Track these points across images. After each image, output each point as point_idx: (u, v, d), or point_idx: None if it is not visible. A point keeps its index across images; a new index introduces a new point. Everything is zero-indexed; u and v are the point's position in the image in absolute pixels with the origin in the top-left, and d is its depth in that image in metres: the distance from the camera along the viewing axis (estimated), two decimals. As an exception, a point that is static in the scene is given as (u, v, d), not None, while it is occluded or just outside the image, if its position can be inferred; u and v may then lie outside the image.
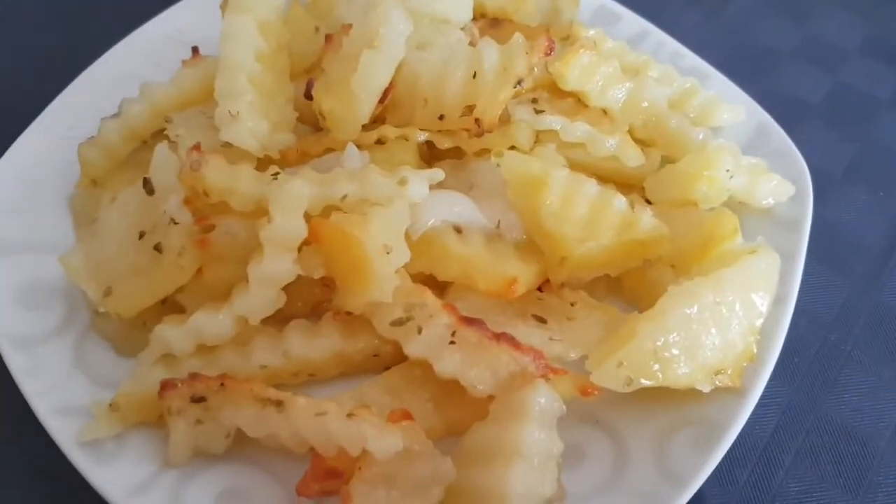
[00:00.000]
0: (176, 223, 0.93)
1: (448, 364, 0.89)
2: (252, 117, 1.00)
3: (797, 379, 1.08)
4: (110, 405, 0.88)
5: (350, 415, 0.83)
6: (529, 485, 0.83)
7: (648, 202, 1.06)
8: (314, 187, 0.92)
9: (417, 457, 0.86)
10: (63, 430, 0.87)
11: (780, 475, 1.01)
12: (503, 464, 0.83)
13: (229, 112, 0.99)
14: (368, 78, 1.00)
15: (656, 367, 0.87)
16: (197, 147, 0.95)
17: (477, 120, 1.01)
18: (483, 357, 0.89)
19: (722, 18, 1.49)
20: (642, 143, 1.10)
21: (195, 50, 1.15)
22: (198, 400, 0.87)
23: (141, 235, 0.95)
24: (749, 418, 0.99)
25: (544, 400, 0.87)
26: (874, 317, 1.13)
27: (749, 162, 1.06)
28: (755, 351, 0.92)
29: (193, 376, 0.88)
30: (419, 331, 0.90)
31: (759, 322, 0.93)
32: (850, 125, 1.34)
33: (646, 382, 0.87)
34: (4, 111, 1.13)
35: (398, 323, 0.91)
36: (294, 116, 1.07)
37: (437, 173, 0.97)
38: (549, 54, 1.03)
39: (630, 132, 1.10)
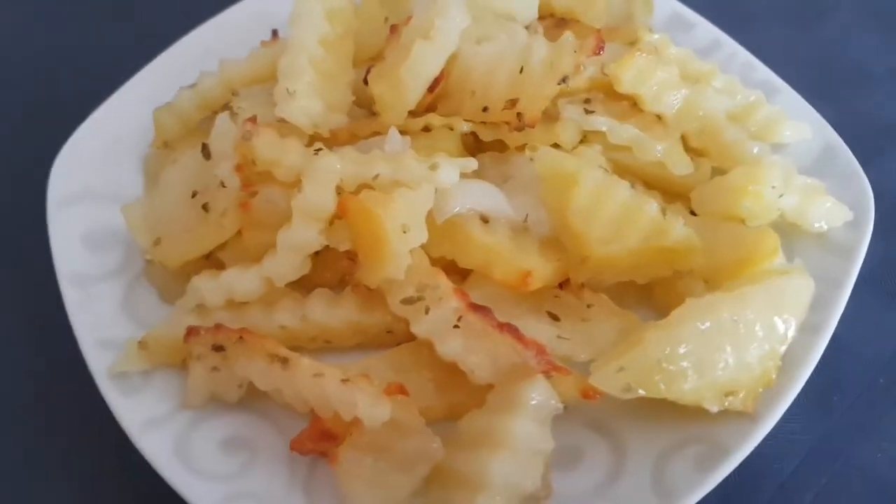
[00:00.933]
0: (224, 186, 1.01)
1: (450, 347, 0.90)
2: (308, 96, 1.06)
3: (833, 418, 1.00)
4: (139, 343, 0.96)
5: (345, 380, 0.87)
6: (511, 476, 0.83)
7: (693, 213, 1.03)
8: (349, 165, 0.97)
9: (408, 432, 0.88)
10: (99, 362, 0.96)
11: (796, 513, 0.95)
12: (489, 452, 0.84)
13: (287, 90, 1.05)
14: (418, 67, 1.03)
15: (658, 377, 0.84)
16: (253, 119, 1.02)
17: (519, 114, 1.02)
18: (485, 345, 0.90)
19: (816, 34, 1.40)
20: (696, 153, 1.07)
21: (275, 32, 1.23)
22: (217, 349, 0.94)
23: (193, 195, 1.04)
24: (771, 450, 0.94)
25: (541, 396, 0.87)
26: (934, 364, 1.04)
27: (805, 182, 1.00)
28: (774, 377, 0.88)
29: (217, 327, 0.95)
30: (427, 311, 0.92)
31: (781, 348, 0.88)
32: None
33: (643, 392, 0.85)
34: (102, 78, 1.24)
35: (408, 301, 0.93)
36: (350, 100, 1.12)
37: (471, 162, 0.99)
38: (598, 54, 1.02)
39: (684, 141, 1.07)
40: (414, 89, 1.04)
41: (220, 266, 1.03)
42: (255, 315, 0.98)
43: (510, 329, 0.89)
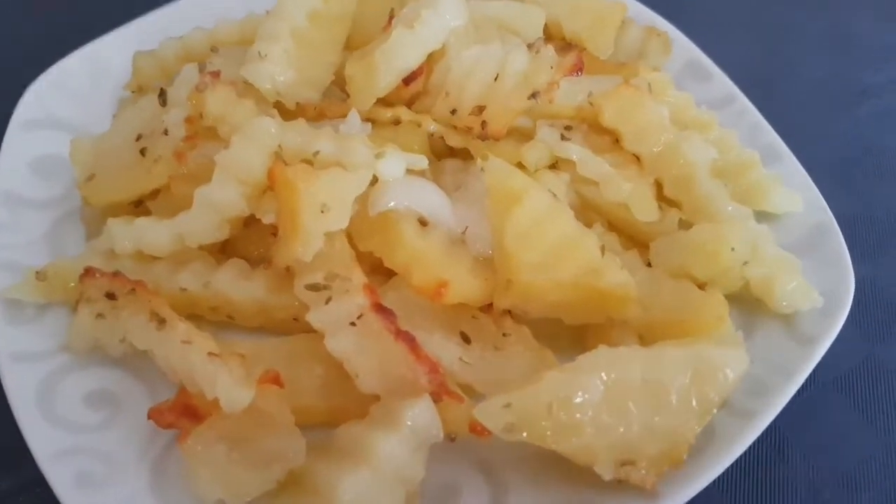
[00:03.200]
0: (166, 134, 0.97)
1: (339, 342, 0.83)
2: (279, 63, 1.02)
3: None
4: (37, 273, 0.92)
5: (213, 354, 0.80)
6: (363, 498, 0.75)
7: (649, 265, 0.93)
8: (292, 134, 0.91)
9: (273, 428, 0.81)
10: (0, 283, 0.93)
11: None
12: (347, 467, 0.76)
13: (259, 53, 1.01)
14: (394, 54, 0.98)
15: (546, 423, 0.75)
16: (216, 73, 0.99)
17: (483, 122, 0.96)
18: (377, 349, 0.82)
19: (852, 116, 1.29)
20: (668, 203, 0.98)
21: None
22: (110, 296, 0.89)
23: (138, 138, 1.00)
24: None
25: (421, 418, 0.79)
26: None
27: (779, 255, 0.90)
28: (684, 457, 0.77)
29: (115, 274, 0.90)
30: (327, 301, 0.85)
31: (696, 426, 0.77)
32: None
33: (525, 436, 0.75)
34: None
35: (313, 287, 0.86)
36: (329, 79, 1.07)
37: (420, 160, 0.93)
38: (575, 73, 0.95)
39: (658, 188, 0.98)
40: (385, 75, 0.98)
41: (147, 215, 0.99)
42: (160, 271, 0.93)
43: (406, 338, 0.81)
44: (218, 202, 0.89)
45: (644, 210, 0.94)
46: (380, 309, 0.84)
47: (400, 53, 0.98)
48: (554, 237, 0.86)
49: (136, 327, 0.86)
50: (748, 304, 0.91)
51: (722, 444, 0.79)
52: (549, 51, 0.94)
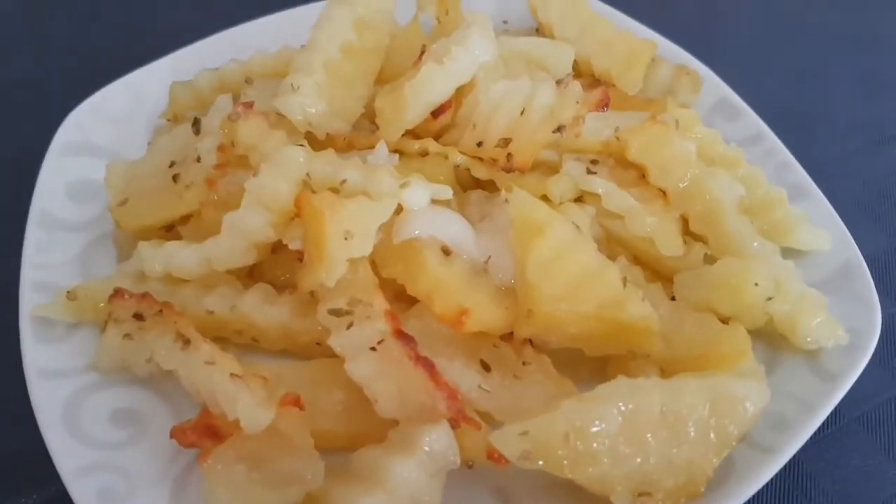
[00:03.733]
0: (199, 161, 1.00)
1: (359, 367, 0.84)
2: (311, 96, 1.05)
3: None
4: (68, 293, 0.94)
5: (235, 375, 0.82)
6: (381, 523, 0.75)
7: (673, 299, 0.93)
8: (319, 163, 0.94)
9: (292, 450, 0.81)
10: (30, 302, 0.95)
11: None
12: (364, 489, 0.76)
13: (292, 85, 1.04)
14: (422, 87, 1.00)
15: (562, 452, 0.75)
16: (249, 104, 1.02)
17: (509, 155, 0.97)
18: (396, 374, 0.82)
19: (883, 155, 1.28)
20: (693, 238, 0.98)
21: (314, 36, 1.24)
22: (137, 317, 0.91)
23: (171, 165, 1.03)
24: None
25: (438, 443, 0.79)
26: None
27: (804, 291, 0.89)
28: (702, 490, 0.75)
29: (144, 295, 0.92)
30: (349, 326, 0.86)
31: (715, 458, 0.76)
32: None
33: (541, 464, 0.75)
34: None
35: (335, 312, 0.87)
36: (359, 112, 1.10)
37: (444, 190, 0.94)
38: (601, 109, 0.96)
39: (684, 223, 0.98)
40: (414, 108, 1.01)
41: (178, 240, 1.02)
42: (188, 294, 0.95)
43: (426, 364, 0.82)
44: (246, 228, 0.92)
45: (669, 244, 0.94)
46: (400, 335, 0.85)
47: (428, 87, 1.00)
48: (576, 269, 0.87)
49: (162, 347, 0.87)
50: (772, 340, 0.91)
51: (741, 478, 0.78)
52: (576, 86, 0.96)
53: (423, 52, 1.09)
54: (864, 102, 1.40)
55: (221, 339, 0.94)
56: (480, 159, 1.02)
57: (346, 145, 1.07)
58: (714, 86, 1.17)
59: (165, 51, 1.27)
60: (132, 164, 1.07)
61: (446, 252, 0.93)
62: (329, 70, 1.08)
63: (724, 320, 0.89)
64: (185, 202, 0.98)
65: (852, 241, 0.98)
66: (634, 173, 1.02)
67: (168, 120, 1.18)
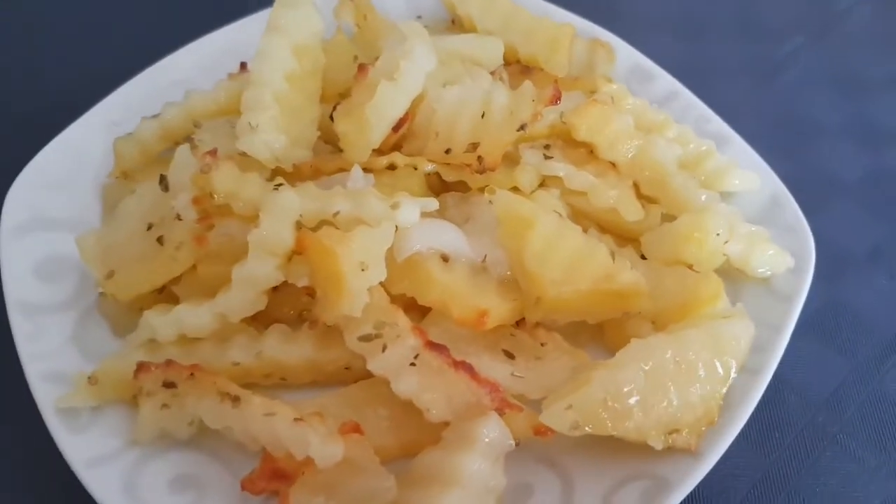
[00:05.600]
0: (180, 219, 1.00)
1: (405, 384, 0.91)
2: (271, 131, 1.07)
3: (774, 454, 1.04)
4: (89, 378, 0.94)
5: (297, 419, 0.87)
6: (463, 516, 0.84)
7: (643, 257, 1.06)
8: (309, 200, 0.97)
9: (361, 471, 0.88)
10: (46, 395, 0.94)
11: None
12: (440, 490, 0.85)
13: (249, 123, 1.06)
14: (383, 107, 1.05)
15: (605, 415, 0.87)
16: (213, 152, 1.02)
17: (480, 157, 1.05)
18: (441, 382, 0.91)
19: (768, 88, 1.47)
20: (647, 200, 1.11)
21: (243, 65, 1.23)
22: (168, 385, 0.93)
23: (149, 227, 1.03)
24: (715, 486, 0.97)
25: (494, 433, 0.88)
26: (869, 403, 1.08)
27: (749, 230, 1.05)
28: (716, 416, 0.90)
29: (168, 363, 0.94)
30: (384, 349, 0.93)
31: (722, 388, 0.91)
32: (883, 208, 1.30)
33: (590, 429, 0.87)
34: (69, 104, 1.23)
35: (366, 339, 0.94)
36: (315, 136, 1.12)
37: (431, 203, 1.01)
38: (555, 103, 1.06)
39: (636, 188, 1.11)
40: (377, 128, 1.05)
41: (175, 300, 1.03)
42: (207, 351, 0.98)
43: (465, 367, 0.91)
44: (255, 277, 0.95)
45: (631, 211, 1.06)
46: (433, 346, 0.93)
47: (388, 106, 1.05)
48: (568, 252, 0.97)
49: (208, 409, 0.90)
50: (729, 275, 1.05)
51: (742, 399, 0.93)
52: (529, 86, 1.04)
53: (361, 66, 1.13)
54: (746, 46, 1.57)
55: (250, 384, 0.98)
56: (448, 164, 1.09)
57: (313, 172, 1.10)
58: (626, 53, 1.29)
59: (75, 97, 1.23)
60: (102, 233, 1.05)
61: (445, 259, 1.01)
62: (280, 102, 1.09)
63: (689, 267, 1.04)
64: (180, 263, 0.99)
65: (774, 175, 1.14)
66: (583, 150, 1.13)
67: (116, 178, 1.15)
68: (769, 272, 1.05)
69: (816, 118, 1.42)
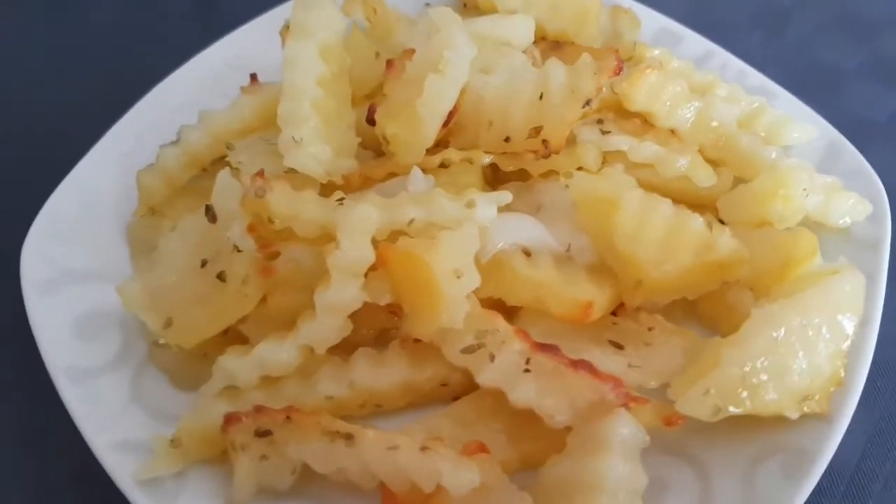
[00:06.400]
0: (239, 250, 0.91)
1: (523, 393, 0.85)
2: (315, 143, 0.99)
3: (881, 403, 1.03)
4: (172, 441, 0.85)
5: (423, 448, 0.80)
6: (615, 524, 0.78)
7: (722, 223, 1.02)
8: (381, 212, 0.90)
9: (493, 492, 0.82)
10: (121, 467, 0.84)
11: (871, 504, 0.96)
12: (584, 500, 0.79)
13: (293, 138, 0.97)
14: (434, 101, 0.98)
15: (745, 393, 0.83)
16: (260, 173, 0.93)
17: (544, 141, 0.99)
18: (560, 385, 0.85)
19: (783, 38, 1.46)
20: (712, 164, 1.06)
21: (253, 77, 1.15)
22: (263, 434, 0.84)
23: (203, 264, 0.93)
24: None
25: (627, 430, 0.83)
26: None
27: (824, 180, 1.02)
28: (842, 375, 0.88)
29: (259, 409, 0.85)
30: (492, 358, 0.86)
31: (845, 345, 0.88)
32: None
33: (734, 410, 0.83)
34: (64, 138, 1.12)
35: (469, 350, 0.87)
36: (356, 142, 1.05)
37: (505, 195, 0.95)
38: (619, 74, 1.00)
39: (699, 153, 1.07)
40: (431, 125, 0.98)
41: (240, 340, 0.94)
42: (294, 389, 0.89)
43: (584, 365, 0.85)
44: (341, 302, 0.86)
45: (704, 176, 1.02)
46: (543, 348, 0.87)
47: (438, 100, 0.98)
48: (662, 228, 0.92)
49: (316, 453, 0.82)
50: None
51: (859, 352, 0.90)
52: (587, 58, 0.98)
53: (390, 62, 1.05)
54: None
55: (344, 418, 0.90)
56: (505, 153, 1.03)
57: (363, 181, 1.03)
58: (648, 17, 1.25)
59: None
60: (145, 278, 0.94)
61: (528, 254, 0.95)
62: (318, 110, 1.01)
63: (769, 226, 1.01)
64: (250, 298, 0.89)
65: (828, 124, 1.12)
66: (637, 121, 1.08)
67: (142, 216, 1.05)
68: (849, 221, 1.02)
69: (835, 63, 1.41)
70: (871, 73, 1.39)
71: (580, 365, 0.85)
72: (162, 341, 0.91)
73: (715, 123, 1.05)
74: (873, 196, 1.04)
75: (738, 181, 1.04)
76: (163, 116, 1.13)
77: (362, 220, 0.87)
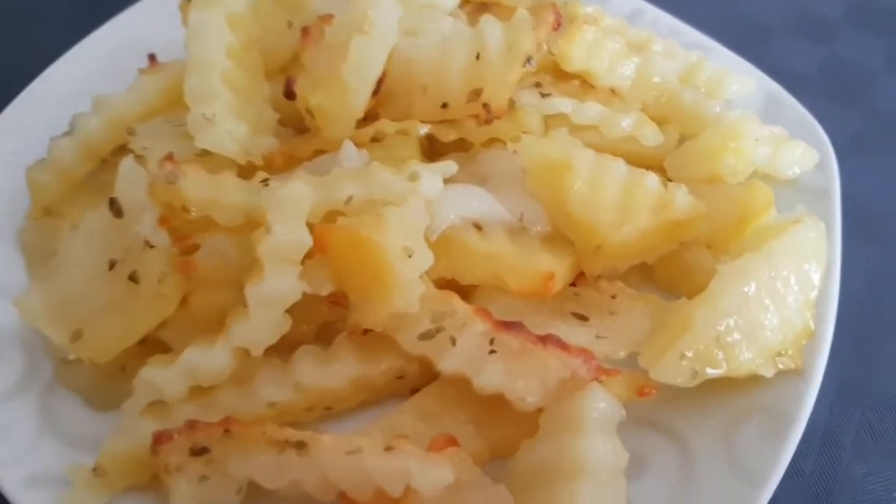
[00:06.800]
0: (152, 246, 0.80)
1: (490, 377, 0.77)
2: (229, 120, 0.88)
3: (843, 354, 0.99)
4: (94, 469, 0.73)
5: (388, 448, 0.71)
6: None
7: (670, 181, 0.98)
8: (314, 191, 0.81)
9: (468, 488, 0.74)
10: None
11: (845, 458, 0.94)
12: (567, 484, 0.72)
13: (203, 115, 0.86)
14: (361, 65, 0.89)
15: (720, 355, 0.78)
16: (170, 157, 0.82)
17: (485, 105, 0.92)
18: (528, 364, 0.78)
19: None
20: (655, 122, 1.02)
21: (152, 57, 1.02)
22: (199, 452, 0.74)
23: (112, 265, 0.81)
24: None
25: (603, 405, 0.77)
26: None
27: (770, 131, 0.99)
28: (813, 327, 0.84)
29: (192, 424, 0.74)
30: (453, 342, 0.78)
31: (812, 295, 0.85)
32: (849, 95, 1.30)
33: (713, 372, 0.78)
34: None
35: (427, 336, 0.79)
36: (274, 118, 0.95)
37: (450, 166, 0.87)
38: (558, 28, 0.94)
39: (642, 111, 1.02)
40: (359, 92, 0.90)
41: (161, 349, 0.83)
42: (231, 398, 0.79)
43: (553, 340, 0.78)
44: (277, 294, 0.77)
45: (650, 135, 0.98)
46: (507, 326, 0.80)
47: (366, 63, 0.89)
48: (615, 189, 0.87)
49: (263, 467, 0.72)
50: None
51: (826, 301, 0.87)
52: (524, 13, 0.91)
53: (305, 29, 0.96)
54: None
55: (291, 425, 0.80)
56: (444, 122, 0.95)
57: (286, 161, 0.93)
58: (574, -25, 1.19)
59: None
60: (44, 287, 0.82)
61: (478, 228, 0.88)
62: (229, 84, 0.90)
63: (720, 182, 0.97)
64: (170, 298, 0.78)
65: (765, 76, 1.10)
66: (576, 82, 1.03)
67: (35, 218, 0.91)
68: (798, 171, 1.00)
69: (759, 18, 1.39)
70: (797, 26, 1.38)
71: (548, 340, 0.78)
72: (72, 356, 0.79)
73: (657, 79, 1.01)
74: (817, 144, 1.02)
75: (684, 138, 1.00)
76: (51, 108, 1.00)
77: (295, 199, 0.77)
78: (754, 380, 0.82)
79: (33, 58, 1.08)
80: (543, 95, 0.99)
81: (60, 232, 0.88)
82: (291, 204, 0.77)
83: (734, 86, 1.07)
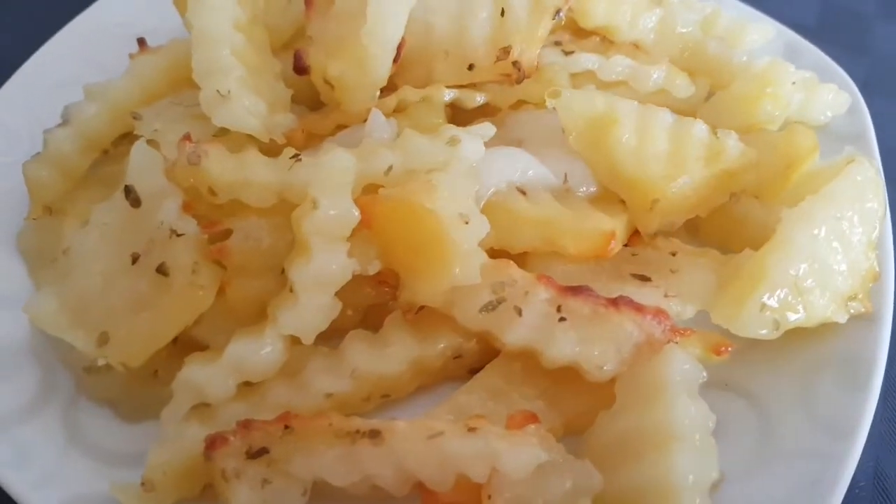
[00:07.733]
0: (179, 235, 0.72)
1: (563, 346, 0.72)
2: (246, 95, 0.81)
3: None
4: (143, 484, 0.65)
5: (471, 429, 0.65)
6: (698, 470, 0.67)
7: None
8: (356, 162, 0.74)
9: (552, 468, 0.68)
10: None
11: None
12: (658, 455, 0.67)
13: (218, 92, 0.79)
14: (382, 27, 0.82)
15: (799, 301, 0.74)
16: (187, 137, 0.75)
17: (515, 63, 0.86)
18: (602, 330, 0.73)
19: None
20: (684, 75, 0.99)
21: (142, 42, 0.94)
22: (258, 454, 0.66)
23: (135, 259, 0.73)
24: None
25: (682, 367, 0.72)
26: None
27: (803, 76, 0.97)
28: (877, 269, 0.81)
29: (246, 424, 0.67)
30: (519, 312, 0.73)
31: (875, 235, 0.82)
32: (850, 43, 1.29)
33: (794, 318, 0.74)
34: None
35: (489, 308, 0.73)
36: (289, 94, 0.88)
37: (488, 127, 0.81)
38: (586, -24, 0.90)
39: (668, 64, 0.99)
40: (381, 57, 0.83)
41: (196, 348, 0.75)
42: (282, 393, 0.72)
43: (625, 302, 0.73)
44: (327, 275, 0.70)
45: (682, 86, 0.94)
46: (574, 291, 0.74)
47: (387, 26, 0.83)
48: (665, 139, 0.83)
49: (334, 463, 0.65)
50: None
51: (886, 240, 0.84)
52: (549, -36, 0.87)
53: (309, 1, 0.89)
54: None
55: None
56: (468, 86, 0.89)
57: (306, 139, 0.86)
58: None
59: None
60: (59, 290, 0.73)
61: (523, 192, 0.82)
62: (240, 58, 0.83)
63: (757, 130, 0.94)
64: (206, 290, 0.71)
65: (780, 24, 1.07)
66: (595, 38, 0.98)
67: (35, 218, 0.82)
68: (830, 115, 0.97)
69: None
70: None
71: (620, 302, 0.74)
72: (100, 363, 0.70)
73: (679, 31, 0.97)
74: (843, 87, 1.00)
75: (712, 92, 0.97)
76: (38, 101, 0.92)
77: (339, 170, 0.71)
78: (823, 329, 0.79)
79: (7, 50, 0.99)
80: (567, 53, 0.95)
81: (65, 230, 0.79)
82: (336, 175, 0.70)
83: (754, 34, 1.04)
